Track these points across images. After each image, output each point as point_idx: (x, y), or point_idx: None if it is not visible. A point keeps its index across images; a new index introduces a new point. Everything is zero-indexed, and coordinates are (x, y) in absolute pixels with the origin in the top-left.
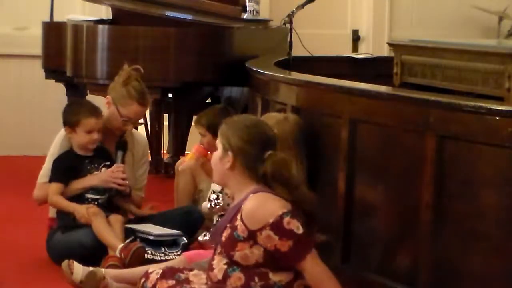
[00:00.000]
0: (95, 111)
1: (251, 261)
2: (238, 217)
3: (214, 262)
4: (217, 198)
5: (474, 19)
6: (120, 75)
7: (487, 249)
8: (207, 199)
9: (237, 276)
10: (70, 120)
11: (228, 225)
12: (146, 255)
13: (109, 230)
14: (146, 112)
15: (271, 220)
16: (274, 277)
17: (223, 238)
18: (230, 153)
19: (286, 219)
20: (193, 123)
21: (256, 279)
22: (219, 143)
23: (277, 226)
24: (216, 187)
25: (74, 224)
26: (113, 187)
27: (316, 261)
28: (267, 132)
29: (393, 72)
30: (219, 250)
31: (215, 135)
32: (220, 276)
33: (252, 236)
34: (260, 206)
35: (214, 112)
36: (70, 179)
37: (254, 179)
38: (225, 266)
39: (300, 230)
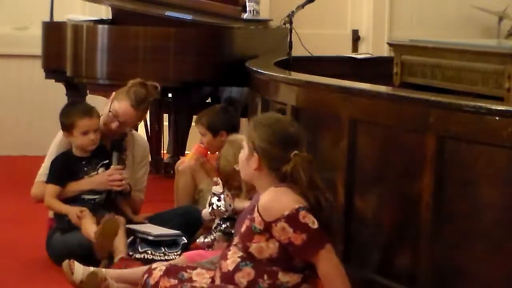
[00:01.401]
0: (88, 111)
1: (265, 254)
2: (256, 209)
3: (230, 253)
4: (219, 200)
5: (474, 19)
6: (136, 79)
7: (487, 249)
8: (207, 204)
9: (247, 271)
10: (65, 124)
11: (248, 217)
12: (146, 255)
13: (92, 225)
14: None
15: (286, 213)
16: (282, 278)
17: (242, 230)
18: (255, 154)
19: (302, 213)
20: (193, 123)
21: (265, 276)
22: (245, 143)
23: (292, 219)
24: (217, 189)
25: (70, 226)
26: (111, 190)
27: (329, 257)
28: (289, 131)
29: (393, 72)
30: (236, 241)
31: (215, 135)
32: (231, 268)
33: (267, 229)
34: (276, 198)
35: (214, 111)
36: (67, 180)
37: (280, 179)
38: (239, 259)
39: (315, 225)
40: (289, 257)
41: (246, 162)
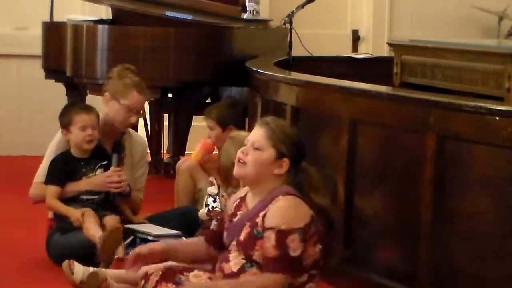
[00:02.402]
0: (86, 108)
1: None
2: (261, 214)
3: (231, 255)
4: (214, 201)
5: (474, 19)
6: (112, 72)
7: (487, 249)
8: (204, 205)
9: (253, 272)
10: (63, 122)
11: (247, 224)
12: None
13: (96, 227)
14: (146, 113)
15: (297, 226)
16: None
17: (242, 238)
18: (286, 160)
19: (295, 236)
20: (194, 123)
21: None
22: (270, 146)
23: (282, 236)
24: (212, 190)
25: (71, 226)
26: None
27: (277, 282)
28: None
29: (393, 72)
30: (236, 247)
31: (224, 129)
32: (235, 269)
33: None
34: (294, 208)
35: (224, 106)
36: (66, 181)
37: (285, 182)
38: (243, 261)
39: (296, 253)
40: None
41: (266, 164)
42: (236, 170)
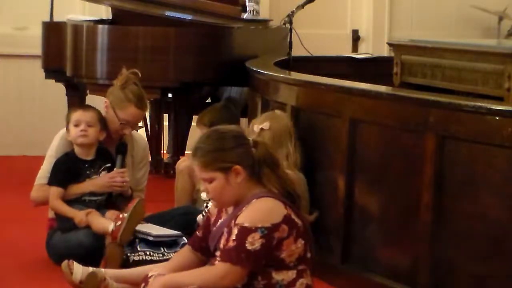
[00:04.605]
0: (83, 106)
1: None
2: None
3: (217, 263)
4: (207, 206)
5: (474, 19)
6: (119, 79)
7: (487, 249)
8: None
9: None
10: (66, 123)
11: (225, 230)
12: (145, 256)
13: (104, 220)
14: (146, 113)
15: (261, 225)
16: (277, 276)
17: (222, 246)
18: (234, 167)
19: (257, 234)
20: (194, 123)
21: (259, 278)
22: (213, 171)
23: (244, 232)
24: (205, 196)
25: (71, 226)
26: (112, 192)
27: (225, 271)
28: (230, 129)
29: (393, 72)
30: (220, 255)
31: None
32: None
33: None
34: (261, 208)
35: (215, 110)
36: (70, 182)
37: (255, 180)
38: None
39: (253, 247)
40: (276, 258)
41: (226, 188)
42: (216, 207)
